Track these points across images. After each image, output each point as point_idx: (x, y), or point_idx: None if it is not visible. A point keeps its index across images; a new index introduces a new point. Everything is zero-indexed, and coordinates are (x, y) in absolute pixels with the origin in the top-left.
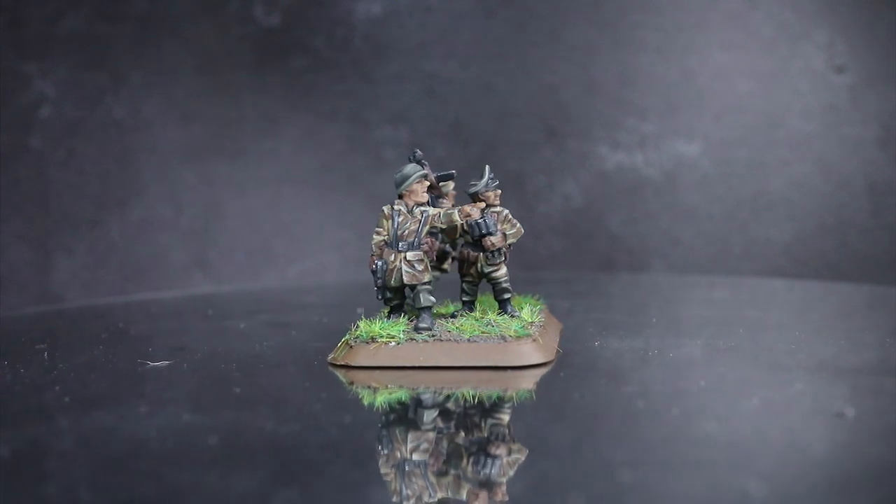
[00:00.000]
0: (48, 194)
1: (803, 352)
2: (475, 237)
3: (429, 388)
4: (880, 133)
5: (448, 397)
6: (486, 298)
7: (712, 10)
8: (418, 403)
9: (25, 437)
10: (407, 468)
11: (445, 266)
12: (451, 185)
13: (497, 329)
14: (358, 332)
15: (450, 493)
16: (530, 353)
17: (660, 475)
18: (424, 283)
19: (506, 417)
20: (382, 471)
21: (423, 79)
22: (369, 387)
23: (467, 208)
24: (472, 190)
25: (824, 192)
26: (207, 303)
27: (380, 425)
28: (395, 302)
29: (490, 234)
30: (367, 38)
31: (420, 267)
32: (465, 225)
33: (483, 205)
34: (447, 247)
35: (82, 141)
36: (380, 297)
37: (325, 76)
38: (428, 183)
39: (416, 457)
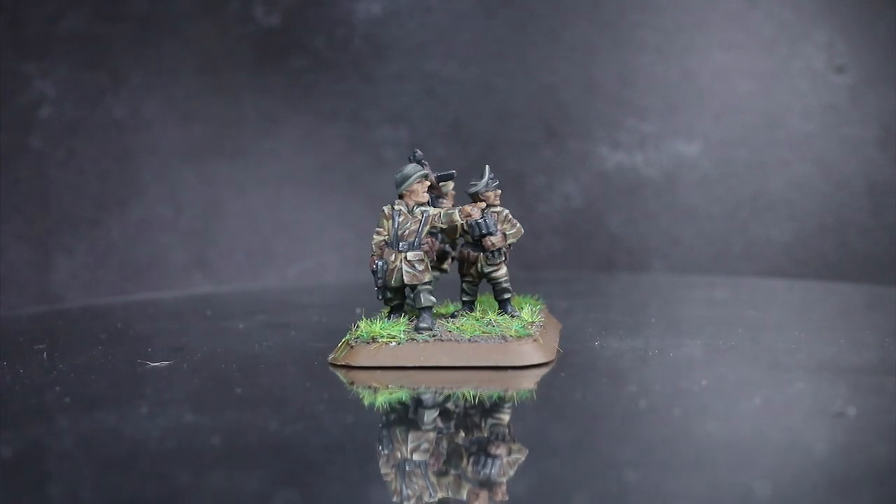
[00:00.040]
0: (48, 194)
1: (803, 351)
2: (475, 237)
3: (429, 388)
4: (880, 133)
5: (448, 397)
6: (486, 298)
7: (712, 10)
8: (419, 403)
9: (26, 437)
10: (407, 468)
11: (445, 266)
12: (450, 185)
13: (498, 329)
14: (358, 333)
15: (450, 493)
16: (531, 353)
17: (661, 475)
18: (425, 283)
19: (506, 417)
20: (383, 471)
21: (423, 79)
22: (370, 387)
23: (468, 208)
24: (473, 190)
25: (824, 192)
26: (207, 303)
27: (380, 425)
28: (395, 302)
29: (490, 234)
30: (367, 38)
31: (420, 267)
32: (465, 225)
33: (483, 205)
34: (447, 247)
35: (82, 141)
36: (380, 297)
37: (325, 76)
38: (428, 183)
39: (416, 457)
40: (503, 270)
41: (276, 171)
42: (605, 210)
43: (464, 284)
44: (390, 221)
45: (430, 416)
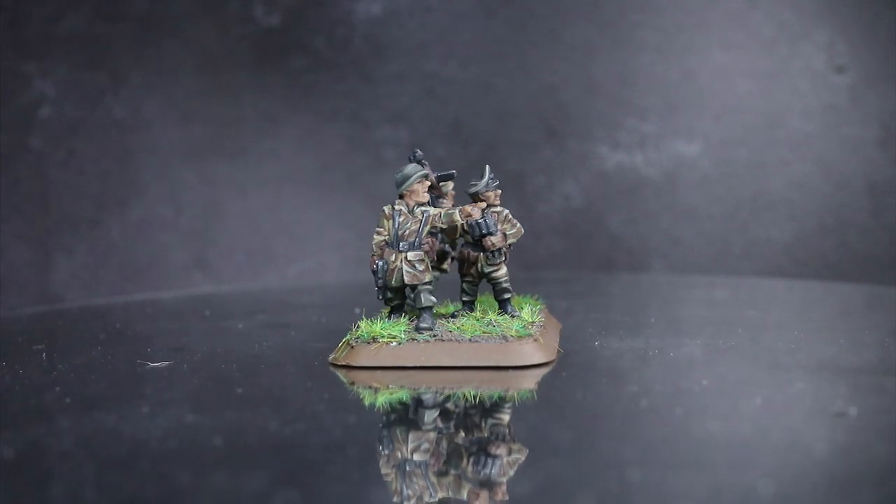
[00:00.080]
0: (48, 194)
1: (803, 351)
2: (475, 237)
3: (430, 388)
4: (880, 133)
5: (449, 397)
6: (485, 298)
7: (712, 10)
8: (419, 403)
9: (27, 437)
10: (408, 468)
11: (445, 266)
12: (450, 185)
13: (498, 329)
14: (359, 333)
15: (450, 493)
16: (532, 352)
17: (661, 475)
18: (425, 283)
19: (507, 417)
20: (383, 471)
21: (423, 79)
22: (370, 387)
23: (468, 208)
24: (473, 190)
25: (824, 192)
26: (207, 303)
27: (381, 425)
28: (395, 302)
29: (490, 234)
30: (367, 38)
31: (421, 267)
32: (465, 225)
33: (484, 205)
34: (447, 247)
35: (82, 141)
36: (380, 297)
37: (325, 76)
38: (429, 183)
39: (417, 457)
40: (503, 270)
41: (276, 171)
42: (605, 210)
43: (464, 284)
44: (391, 221)
45: (430, 416)
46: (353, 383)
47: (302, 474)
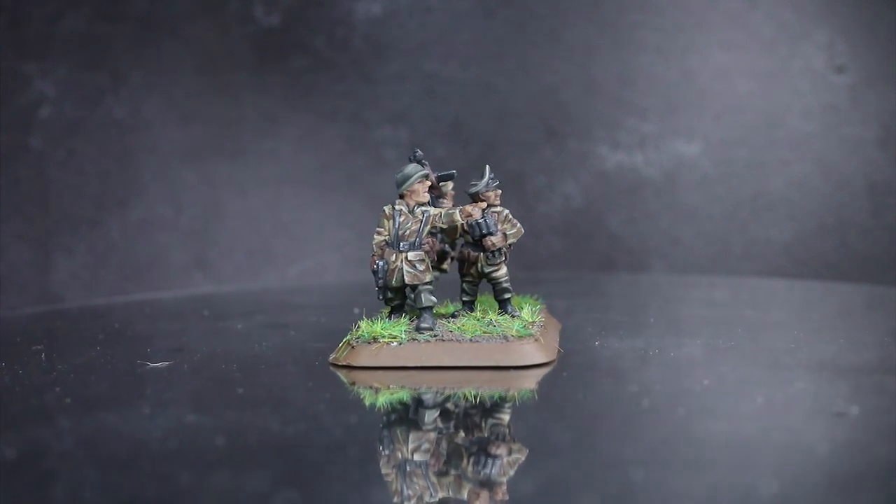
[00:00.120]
0: (48, 194)
1: (803, 351)
2: (476, 237)
3: (431, 388)
4: (880, 133)
5: (449, 397)
6: (485, 298)
7: (712, 10)
8: (420, 404)
9: (27, 438)
10: (408, 468)
11: (445, 266)
12: (450, 185)
13: (499, 329)
14: (360, 333)
15: (451, 493)
16: (533, 352)
17: (662, 474)
18: (426, 284)
19: (507, 417)
20: (384, 471)
21: (423, 79)
22: (371, 387)
23: (469, 208)
24: (473, 190)
25: (824, 192)
26: (207, 303)
27: (381, 426)
28: (396, 302)
29: (491, 234)
30: (367, 38)
31: (421, 267)
32: (465, 225)
33: (484, 205)
34: (447, 247)
35: (82, 141)
36: (381, 297)
37: (325, 76)
38: (429, 183)
39: (417, 457)
40: (503, 270)
41: (276, 171)
42: (605, 210)
43: (464, 284)
44: (391, 221)
45: (430, 416)
46: (353, 383)
47: (302, 474)
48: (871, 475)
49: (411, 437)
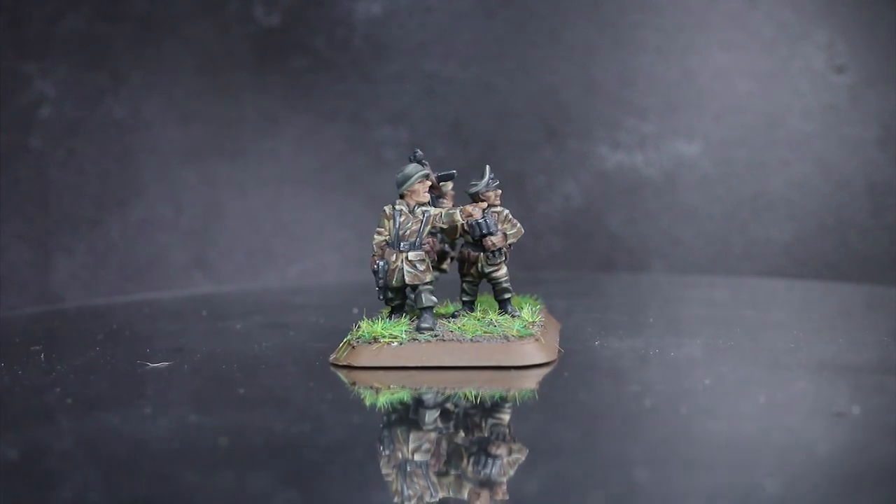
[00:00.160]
0: (48, 194)
1: (803, 351)
2: (476, 237)
3: (431, 388)
4: (880, 133)
5: (449, 397)
6: (485, 298)
7: (712, 10)
8: (420, 404)
9: (28, 439)
10: (408, 468)
11: (445, 266)
12: (450, 185)
13: (500, 329)
14: (360, 333)
15: (451, 493)
16: (533, 352)
17: (662, 474)
18: (426, 284)
19: (508, 417)
20: (384, 471)
21: (423, 79)
22: (371, 387)
23: (469, 208)
24: (473, 190)
25: (824, 192)
26: (207, 303)
27: (382, 426)
28: (396, 302)
29: (491, 233)
30: (367, 38)
31: (422, 267)
32: (465, 225)
33: (484, 205)
34: (447, 247)
35: (82, 141)
36: (381, 297)
37: (325, 76)
38: (430, 183)
39: (417, 457)
40: (503, 270)
41: (276, 171)
42: (605, 210)
43: (464, 284)
44: (391, 221)
45: (431, 416)
46: (354, 383)
47: (303, 475)
48: (871, 475)
49: (412, 437)
